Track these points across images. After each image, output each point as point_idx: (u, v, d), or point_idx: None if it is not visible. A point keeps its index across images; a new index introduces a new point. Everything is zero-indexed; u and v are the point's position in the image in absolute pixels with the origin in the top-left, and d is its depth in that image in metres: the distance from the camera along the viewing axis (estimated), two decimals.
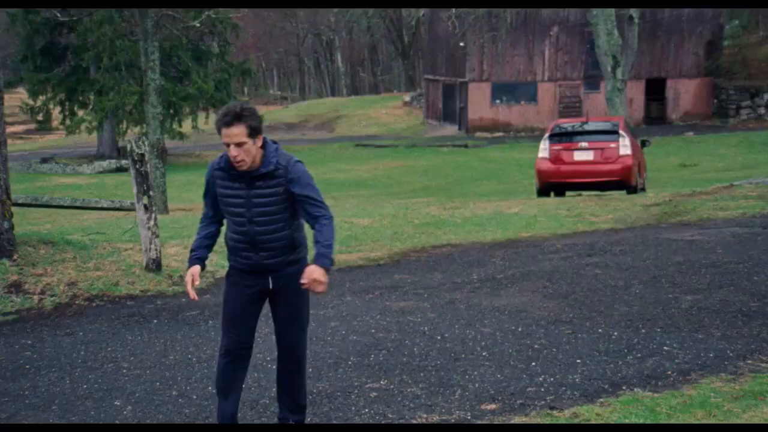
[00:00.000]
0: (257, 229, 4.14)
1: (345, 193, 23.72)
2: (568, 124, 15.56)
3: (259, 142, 4.09)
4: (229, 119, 4.00)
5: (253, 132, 4.03)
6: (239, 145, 4.02)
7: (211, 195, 4.26)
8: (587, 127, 14.96)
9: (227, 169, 4.15)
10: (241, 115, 4.00)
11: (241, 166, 4.07)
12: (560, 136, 14.84)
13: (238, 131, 4.00)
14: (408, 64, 65.73)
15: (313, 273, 4.03)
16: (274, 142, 4.20)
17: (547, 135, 15.06)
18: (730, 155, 28.81)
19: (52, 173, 33.08)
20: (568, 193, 15.33)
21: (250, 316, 4.31)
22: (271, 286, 4.25)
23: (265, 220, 4.14)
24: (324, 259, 4.07)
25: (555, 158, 14.63)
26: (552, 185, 14.84)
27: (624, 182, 14.42)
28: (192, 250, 4.28)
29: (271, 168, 4.10)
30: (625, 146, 14.34)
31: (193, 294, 4.18)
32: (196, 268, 4.21)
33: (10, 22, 36.81)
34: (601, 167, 14.30)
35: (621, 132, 14.54)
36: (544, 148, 14.81)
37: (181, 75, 37.04)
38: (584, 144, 14.52)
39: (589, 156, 14.40)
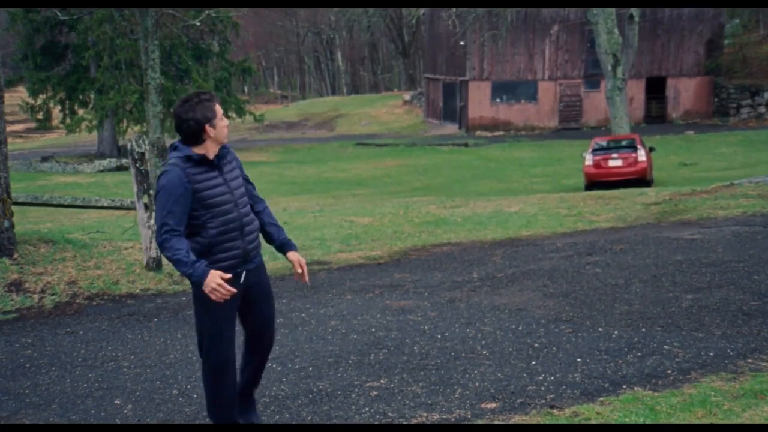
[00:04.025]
0: (242, 211, 4.07)
1: (345, 192, 23.72)
2: (602, 141, 21.94)
3: None
4: (216, 98, 4.05)
5: None
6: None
7: (183, 202, 3.83)
8: (614, 144, 21.57)
9: (202, 161, 3.94)
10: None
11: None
12: (598, 150, 21.18)
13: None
14: (408, 62, 65.74)
15: (302, 259, 4.24)
16: None
17: (590, 150, 21.36)
18: (730, 154, 28.83)
19: (52, 172, 33.07)
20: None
21: (233, 324, 4.13)
22: (242, 281, 4.07)
23: (245, 200, 4.13)
24: (294, 244, 4.28)
25: (596, 164, 20.91)
26: (595, 182, 20.67)
27: (641, 179, 20.49)
28: (193, 262, 3.79)
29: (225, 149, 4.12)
30: (641, 155, 20.69)
31: (232, 289, 3.84)
32: (215, 272, 3.81)
33: (11, 20, 36.82)
34: (626, 169, 20.61)
35: (638, 146, 21.00)
36: (589, 158, 21.08)
37: (182, 74, 37.07)
38: (615, 155, 20.84)
39: (618, 162, 20.75)
